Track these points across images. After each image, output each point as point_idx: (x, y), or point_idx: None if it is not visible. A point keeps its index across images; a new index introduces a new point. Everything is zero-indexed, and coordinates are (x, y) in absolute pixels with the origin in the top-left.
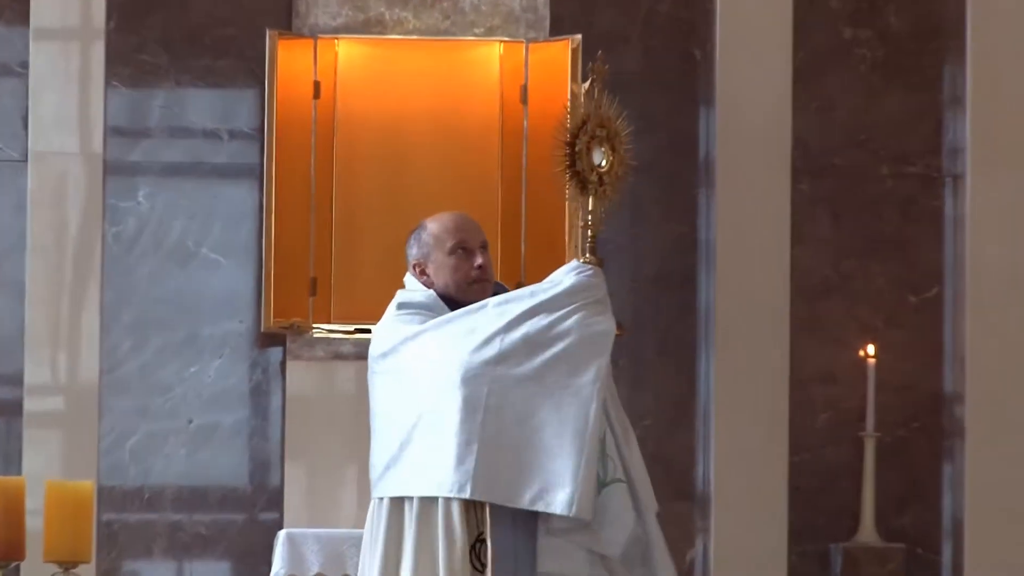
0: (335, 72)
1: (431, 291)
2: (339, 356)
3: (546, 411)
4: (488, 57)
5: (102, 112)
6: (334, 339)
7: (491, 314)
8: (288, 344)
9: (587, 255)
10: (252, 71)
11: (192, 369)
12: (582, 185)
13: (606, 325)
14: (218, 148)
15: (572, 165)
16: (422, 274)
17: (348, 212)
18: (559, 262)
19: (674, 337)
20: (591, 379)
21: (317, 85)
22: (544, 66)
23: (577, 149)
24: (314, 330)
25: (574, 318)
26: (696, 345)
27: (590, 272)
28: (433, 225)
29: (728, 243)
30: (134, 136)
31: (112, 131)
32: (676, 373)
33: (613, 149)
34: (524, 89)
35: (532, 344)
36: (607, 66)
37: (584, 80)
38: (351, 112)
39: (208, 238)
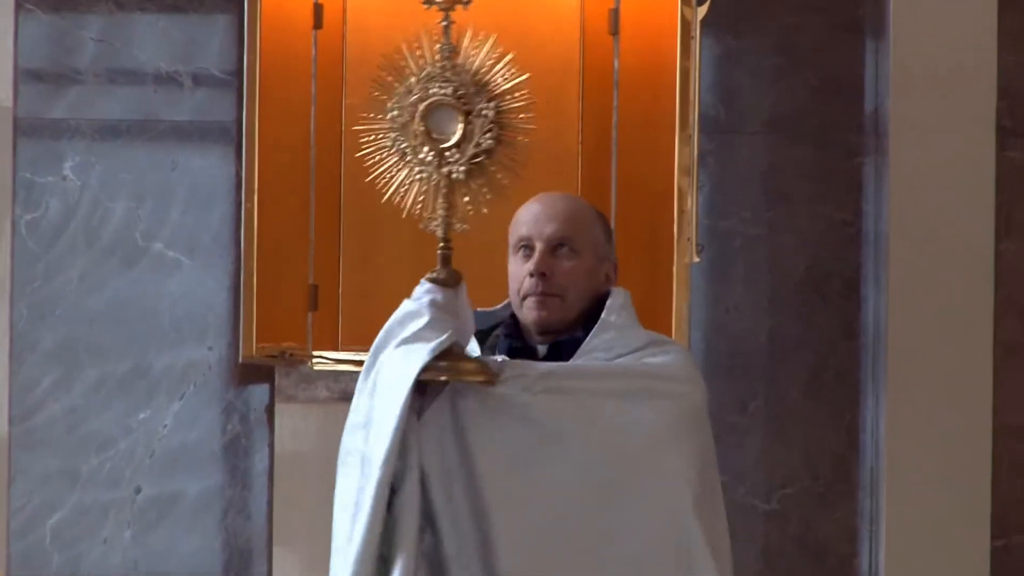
0: None
1: (488, 313)
2: (349, 397)
3: (353, 498)
4: None
5: (10, 48)
6: (342, 372)
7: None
8: (277, 380)
9: (437, 268)
10: None
11: (141, 416)
12: (409, 169)
13: (411, 368)
14: (177, 99)
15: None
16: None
17: (363, 191)
18: (665, 252)
19: (829, 370)
20: (381, 448)
21: (319, 8)
22: None
23: (393, 114)
24: (314, 360)
25: (388, 365)
26: (860, 381)
27: (420, 293)
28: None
29: (905, 236)
30: (57, 82)
31: (26, 75)
32: (831, 421)
33: (467, 115)
34: (614, 14)
35: (355, 408)
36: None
37: (700, 3)
38: (368, 47)
39: (163, 228)
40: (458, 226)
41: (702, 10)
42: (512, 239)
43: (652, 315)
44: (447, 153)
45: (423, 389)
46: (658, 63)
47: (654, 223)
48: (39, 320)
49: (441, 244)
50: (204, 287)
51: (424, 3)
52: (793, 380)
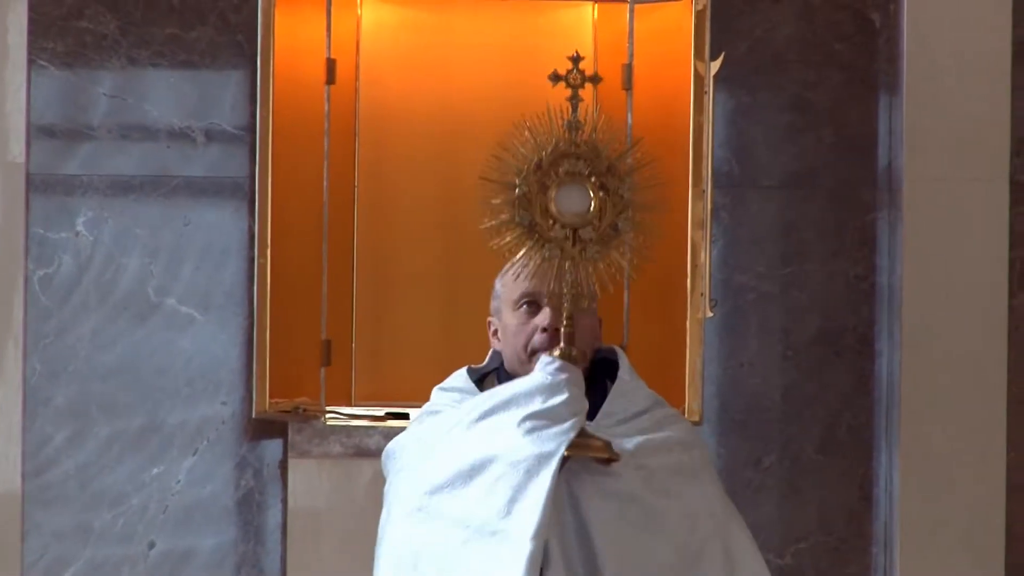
0: (357, 46)
1: (478, 368)
2: (362, 452)
3: (472, 566)
4: (578, 23)
5: (23, 104)
6: (355, 428)
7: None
8: (291, 435)
9: (559, 347)
10: (239, 44)
11: (154, 471)
12: (536, 243)
13: (554, 444)
14: (190, 155)
15: (515, 219)
16: (495, 336)
17: (377, 244)
18: (677, 310)
19: (843, 425)
20: (529, 522)
21: (331, 64)
22: (656, 36)
23: (520, 192)
24: (327, 415)
25: (512, 435)
26: (874, 436)
27: (553, 370)
28: (509, 267)
29: (919, 291)
30: (69, 138)
31: (38, 131)
32: (845, 476)
33: (604, 188)
34: (627, 69)
35: (460, 473)
36: (598, 78)
37: (712, 59)
38: (381, 103)
39: (176, 284)
40: (585, 303)
41: (715, 65)
42: (511, 294)
43: (665, 370)
44: (580, 231)
45: None
46: (672, 118)
47: (668, 278)
48: (52, 376)
49: (566, 322)
50: (217, 342)
51: (551, 80)
52: (807, 435)
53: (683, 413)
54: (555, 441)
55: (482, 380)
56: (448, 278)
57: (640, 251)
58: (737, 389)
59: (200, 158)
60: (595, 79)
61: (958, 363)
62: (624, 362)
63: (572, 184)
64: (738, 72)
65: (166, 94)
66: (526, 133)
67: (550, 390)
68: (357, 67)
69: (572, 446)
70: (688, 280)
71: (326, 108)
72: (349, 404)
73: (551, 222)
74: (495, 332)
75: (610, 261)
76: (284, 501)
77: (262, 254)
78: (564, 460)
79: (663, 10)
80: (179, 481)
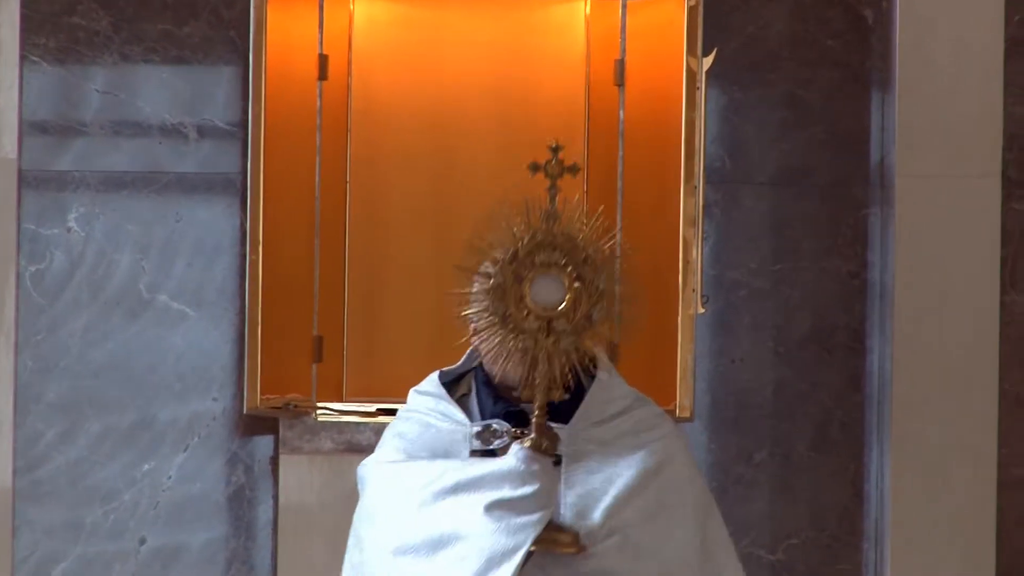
0: (349, 42)
1: (452, 369)
2: (354, 448)
3: None
4: (571, 19)
5: (15, 100)
6: (347, 424)
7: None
8: (282, 431)
9: (531, 436)
10: (231, 40)
11: (145, 467)
12: (510, 334)
13: (520, 537)
14: (182, 151)
15: (490, 310)
16: (476, 334)
17: (369, 241)
18: (669, 306)
19: (835, 422)
20: None
21: (324, 60)
22: (648, 32)
23: (496, 282)
24: (319, 411)
25: (478, 518)
26: (865, 433)
27: (524, 458)
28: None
29: (911, 288)
30: (62, 134)
31: (31, 127)
32: (836, 473)
33: (580, 279)
34: (620, 65)
35: (427, 541)
36: (577, 167)
37: (705, 55)
38: (373, 98)
39: (168, 280)
40: (555, 394)
41: (707, 61)
42: None
43: (657, 366)
44: (554, 323)
45: None
46: (664, 114)
47: (659, 273)
48: (44, 372)
49: (536, 412)
50: (209, 339)
51: (530, 170)
52: (798, 432)
53: (675, 410)
54: (521, 534)
55: (459, 380)
56: (439, 274)
57: (608, 339)
58: (728, 385)
59: (192, 154)
60: (574, 169)
61: (950, 360)
62: (603, 360)
63: (547, 275)
64: (730, 68)
65: (158, 90)
66: (503, 223)
67: (520, 479)
68: (349, 63)
69: (538, 540)
70: (680, 276)
71: (318, 104)
72: (340, 400)
73: (525, 313)
74: (475, 330)
75: (583, 352)
76: (275, 497)
77: (254, 250)
78: (529, 554)
79: (656, 6)
80: (170, 477)
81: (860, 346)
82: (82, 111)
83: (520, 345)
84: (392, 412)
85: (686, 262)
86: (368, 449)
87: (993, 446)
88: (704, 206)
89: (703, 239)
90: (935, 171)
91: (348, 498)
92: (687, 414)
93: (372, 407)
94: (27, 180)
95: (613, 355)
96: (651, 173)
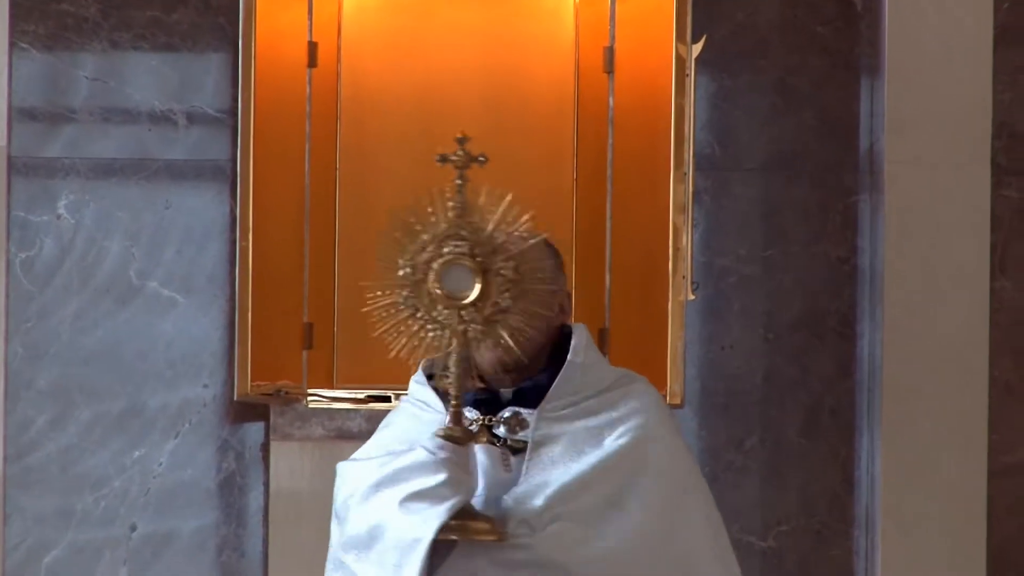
0: (338, 29)
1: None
2: (344, 435)
3: None
4: (560, 5)
5: (4, 87)
6: (337, 410)
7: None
8: (273, 418)
9: (446, 425)
10: (220, 27)
11: (136, 454)
12: (423, 325)
13: (426, 528)
14: (172, 138)
15: (402, 302)
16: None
17: (358, 228)
18: (659, 292)
19: (825, 408)
20: None
21: (313, 47)
22: (638, 19)
23: (405, 272)
24: (309, 398)
25: (394, 512)
26: (855, 419)
27: (434, 447)
28: None
29: (901, 274)
30: (51, 121)
31: (20, 114)
32: (827, 459)
33: (488, 268)
34: (609, 52)
35: (362, 538)
36: (484, 158)
37: (694, 42)
38: (362, 86)
39: (158, 267)
40: (470, 383)
41: (697, 48)
42: None
43: (647, 353)
44: (463, 312)
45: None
46: (653, 101)
47: (649, 260)
48: (34, 359)
49: (453, 402)
50: (199, 325)
51: (438, 161)
52: (789, 418)
53: (666, 396)
54: (429, 524)
55: None
56: None
57: (521, 330)
58: (719, 372)
59: (182, 141)
60: (481, 159)
61: (940, 346)
62: (580, 341)
63: (456, 265)
64: (720, 55)
65: (148, 77)
66: (412, 216)
67: (430, 469)
68: (339, 50)
69: (450, 528)
70: (670, 263)
71: (308, 91)
72: (331, 387)
73: (436, 304)
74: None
75: (495, 339)
76: (266, 484)
77: (244, 237)
78: (454, 543)
79: None
80: (161, 464)
81: (850, 332)
82: (71, 98)
83: (431, 336)
84: (383, 399)
85: (676, 249)
86: (358, 435)
87: (983, 433)
88: (694, 193)
89: (693, 226)
90: (925, 158)
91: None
92: (677, 400)
93: (362, 394)
94: (16, 167)
95: (603, 341)
96: (641, 160)
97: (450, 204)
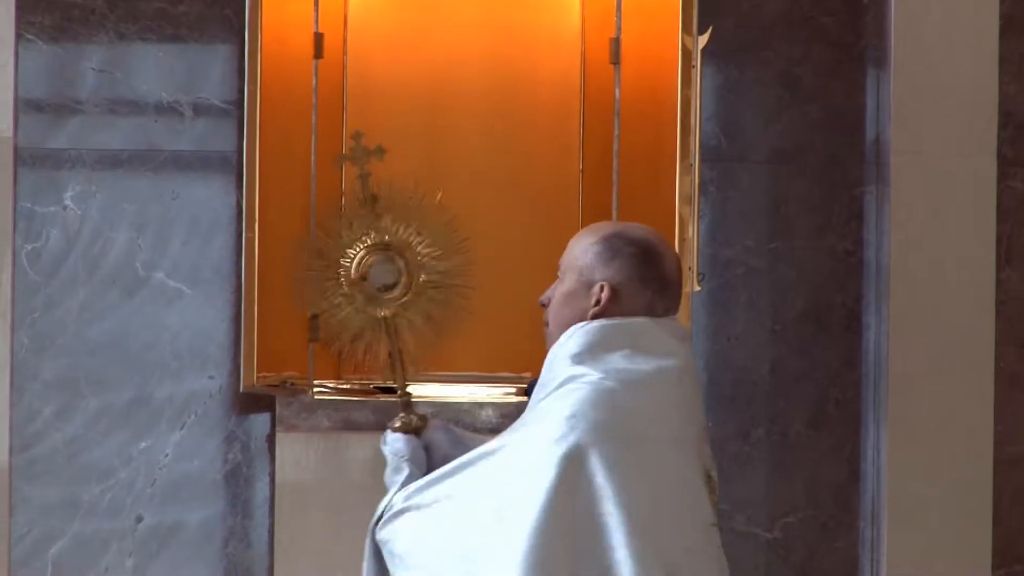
0: (345, 20)
1: None
2: (351, 426)
3: None
4: None
5: (11, 78)
6: (343, 402)
7: None
8: (279, 409)
9: (399, 416)
10: (226, 18)
11: (142, 445)
12: (368, 325)
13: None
14: (178, 129)
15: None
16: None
17: None
18: None
19: (831, 400)
20: None
21: (319, 38)
22: (644, 11)
23: (341, 280)
24: (315, 389)
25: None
26: (861, 411)
27: (392, 452)
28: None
29: (906, 265)
30: (57, 112)
31: (26, 105)
32: (833, 451)
33: (403, 257)
34: (615, 44)
35: None
36: (382, 150)
37: (700, 34)
38: (368, 77)
39: (164, 258)
40: (411, 369)
41: (703, 39)
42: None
43: None
44: (385, 296)
45: None
46: (659, 92)
47: None
48: (40, 350)
49: (399, 392)
50: (205, 317)
51: (334, 166)
52: (795, 410)
53: None
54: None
55: None
56: None
57: (448, 303)
58: (725, 364)
59: (188, 132)
60: (379, 152)
61: (946, 337)
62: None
63: (381, 260)
64: (725, 47)
65: (154, 68)
66: (333, 240)
67: (392, 466)
68: (345, 41)
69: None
70: (675, 247)
71: (314, 82)
72: (337, 378)
73: (375, 303)
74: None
75: (430, 318)
76: (272, 475)
77: (250, 228)
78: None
79: None
80: (167, 455)
81: (856, 324)
82: (78, 89)
83: (377, 330)
84: (388, 390)
85: (682, 240)
86: (364, 427)
87: (989, 424)
88: (700, 184)
89: (699, 217)
90: (930, 149)
91: (345, 476)
92: None
93: (368, 385)
94: (23, 158)
95: None
96: (647, 152)
97: (361, 200)
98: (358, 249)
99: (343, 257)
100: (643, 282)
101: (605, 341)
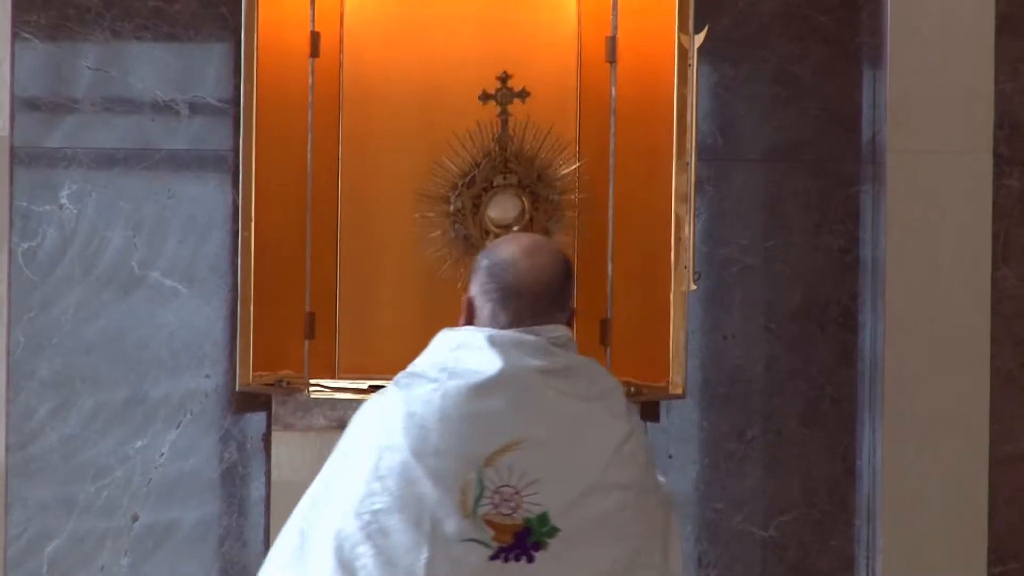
0: (341, 18)
1: None
2: (346, 425)
3: None
4: None
5: (7, 77)
6: (339, 400)
7: None
8: (275, 408)
9: None
10: (222, 17)
11: (138, 444)
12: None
13: None
14: (174, 128)
15: (451, 233)
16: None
17: (361, 218)
18: (660, 283)
19: (826, 398)
20: None
21: (315, 37)
22: (640, 8)
23: (456, 207)
24: (311, 388)
25: None
26: (857, 409)
27: None
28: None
29: (902, 264)
30: (53, 111)
31: (22, 104)
32: (828, 449)
33: (534, 195)
34: (611, 42)
35: None
36: (526, 93)
37: (696, 32)
38: (364, 75)
39: (160, 257)
40: None
41: (699, 38)
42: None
43: (649, 343)
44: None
45: None
46: (655, 91)
47: (651, 250)
48: (36, 349)
49: None
50: (201, 315)
51: (480, 99)
52: (790, 408)
53: (667, 386)
54: None
55: None
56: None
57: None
58: (720, 362)
59: (184, 131)
60: (523, 94)
61: (942, 336)
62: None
63: (503, 195)
64: (722, 45)
65: (150, 67)
66: (460, 150)
67: None
68: (341, 40)
69: None
70: (672, 253)
71: (310, 81)
72: (333, 377)
73: (484, 232)
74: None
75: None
76: (268, 474)
77: (246, 227)
78: None
79: None
80: (163, 454)
81: (852, 322)
82: (73, 88)
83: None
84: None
85: (678, 239)
86: None
87: (985, 422)
88: (696, 182)
89: (695, 215)
90: (926, 147)
91: None
92: (679, 391)
93: (365, 384)
94: (19, 157)
95: (605, 331)
96: (643, 150)
97: (495, 137)
98: (487, 181)
99: (469, 186)
100: (485, 294)
101: (430, 350)
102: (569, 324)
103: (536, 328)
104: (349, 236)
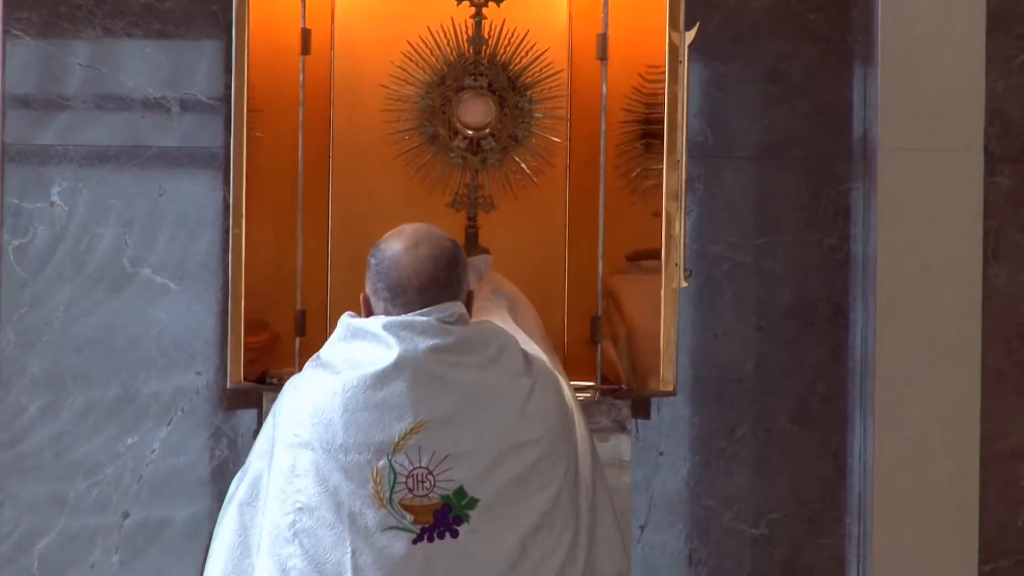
0: (332, 16)
1: None
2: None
3: None
4: None
5: None
6: None
7: None
8: (266, 405)
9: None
10: (213, 14)
11: (129, 441)
12: (438, 152)
13: None
14: (165, 125)
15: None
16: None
17: (352, 215)
18: (652, 278)
19: (817, 396)
20: None
21: (306, 34)
22: (631, 6)
23: (424, 104)
24: None
25: None
26: (847, 406)
27: None
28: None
29: (893, 261)
30: (44, 108)
31: (13, 101)
32: (819, 447)
33: (504, 100)
34: (602, 39)
35: None
36: None
37: (687, 29)
38: (356, 73)
39: (151, 254)
40: (487, 209)
41: (690, 35)
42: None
43: (639, 340)
44: (482, 142)
45: None
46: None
47: (642, 247)
48: (27, 346)
49: (468, 223)
50: (192, 313)
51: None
52: (781, 406)
53: (658, 384)
54: None
55: None
56: None
57: (540, 157)
58: (711, 359)
59: (175, 128)
60: None
61: (932, 333)
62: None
63: (474, 97)
64: (712, 43)
65: (141, 64)
66: (432, 47)
67: None
68: (332, 37)
69: None
70: (662, 250)
71: (301, 78)
72: None
73: (454, 133)
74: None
75: (511, 167)
76: None
77: (237, 224)
78: None
79: None
80: (154, 451)
81: (843, 320)
82: (65, 85)
83: (449, 163)
84: None
85: (669, 236)
86: None
87: (976, 420)
88: (687, 180)
89: (686, 213)
90: (917, 145)
91: None
92: (670, 388)
93: None
94: (10, 154)
95: (595, 328)
96: (636, 151)
97: (468, 39)
98: (458, 81)
99: (439, 84)
100: (375, 293)
101: (334, 337)
102: (467, 305)
103: (427, 310)
104: (340, 233)
